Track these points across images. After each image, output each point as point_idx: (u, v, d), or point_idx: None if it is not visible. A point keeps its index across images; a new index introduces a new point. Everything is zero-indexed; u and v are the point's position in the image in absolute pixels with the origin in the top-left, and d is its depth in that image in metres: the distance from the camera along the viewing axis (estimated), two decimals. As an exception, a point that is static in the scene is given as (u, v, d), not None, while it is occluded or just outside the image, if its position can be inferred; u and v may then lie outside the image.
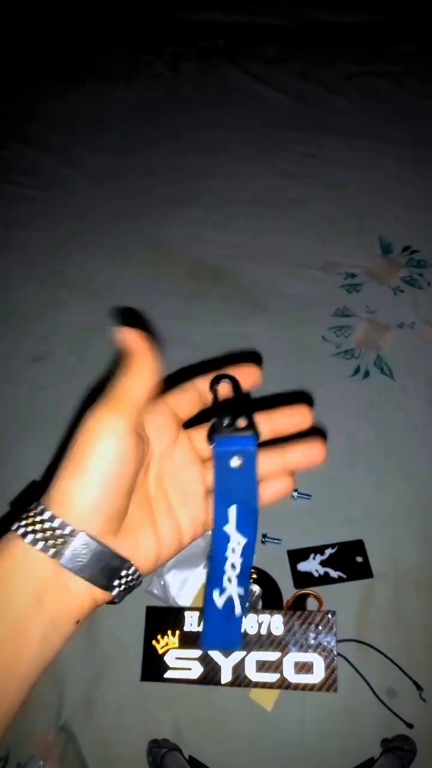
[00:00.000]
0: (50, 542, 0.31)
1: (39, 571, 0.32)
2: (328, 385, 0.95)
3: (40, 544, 0.31)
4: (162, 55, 1.68)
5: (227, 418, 0.40)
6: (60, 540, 0.32)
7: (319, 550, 0.78)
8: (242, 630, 0.45)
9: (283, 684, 0.68)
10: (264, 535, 0.79)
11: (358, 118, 1.43)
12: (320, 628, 0.70)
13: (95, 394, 0.34)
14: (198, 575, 0.77)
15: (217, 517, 0.42)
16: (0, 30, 1.76)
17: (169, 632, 0.71)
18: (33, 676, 0.32)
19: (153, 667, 0.70)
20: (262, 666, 0.69)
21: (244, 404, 0.41)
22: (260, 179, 1.30)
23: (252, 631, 0.70)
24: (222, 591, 0.45)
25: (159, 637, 0.71)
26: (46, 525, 0.32)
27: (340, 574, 0.76)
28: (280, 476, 0.39)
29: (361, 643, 0.71)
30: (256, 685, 0.68)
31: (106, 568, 0.34)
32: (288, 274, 1.11)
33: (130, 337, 0.38)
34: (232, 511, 0.42)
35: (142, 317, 1.03)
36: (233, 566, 0.44)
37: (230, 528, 0.43)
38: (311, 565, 0.77)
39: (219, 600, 0.44)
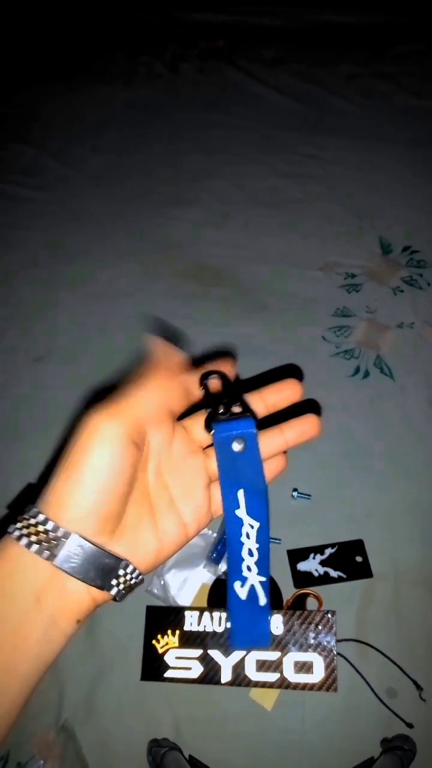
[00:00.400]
0: (44, 544, 0.32)
1: (36, 573, 0.33)
2: (327, 386, 0.95)
3: (35, 546, 0.32)
4: (162, 55, 1.68)
5: (222, 406, 0.40)
6: (54, 542, 0.32)
7: (319, 549, 0.78)
8: (269, 623, 0.44)
9: (283, 683, 0.68)
10: (264, 535, 0.79)
11: (358, 118, 1.44)
12: (320, 627, 0.70)
13: (98, 395, 0.34)
14: (198, 575, 0.77)
15: (227, 503, 0.42)
16: (0, 30, 1.76)
17: (169, 632, 0.72)
18: (34, 676, 0.33)
19: (153, 666, 0.70)
20: (262, 665, 0.69)
21: (235, 391, 0.41)
22: (260, 179, 1.30)
23: (252, 631, 0.70)
24: (243, 581, 0.44)
25: (159, 636, 0.72)
26: (40, 528, 0.33)
27: (340, 573, 0.76)
28: (275, 455, 0.40)
29: (360, 642, 0.71)
30: (256, 684, 0.69)
31: (101, 569, 0.34)
32: (288, 274, 1.11)
33: (160, 349, 0.39)
34: (241, 495, 0.42)
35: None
36: (250, 552, 0.44)
37: (241, 512, 0.43)
38: (311, 565, 0.77)
39: (242, 591, 0.43)
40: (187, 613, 0.73)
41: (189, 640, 0.72)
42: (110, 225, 1.23)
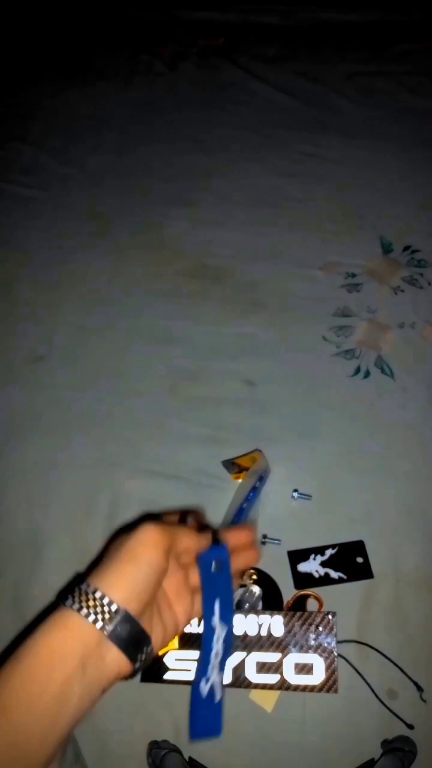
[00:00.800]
0: (99, 616, 0.40)
1: (86, 640, 0.39)
2: (328, 385, 0.95)
3: (91, 617, 0.40)
4: (162, 54, 1.67)
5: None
6: (107, 615, 0.40)
7: (320, 550, 0.78)
8: (222, 716, 0.53)
9: (283, 685, 0.68)
10: (264, 536, 0.79)
11: (358, 117, 1.43)
12: (320, 629, 0.70)
13: (151, 516, 0.47)
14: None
15: (206, 612, 0.52)
16: (0, 29, 1.76)
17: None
18: (67, 732, 0.39)
19: (153, 668, 0.70)
20: (262, 667, 0.69)
21: (211, 529, 0.54)
22: (260, 178, 1.30)
23: (252, 632, 0.70)
24: (207, 680, 0.54)
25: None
26: (98, 602, 0.40)
27: (341, 574, 0.76)
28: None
29: (361, 643, 0.71)
30: (257, 686, 0.69)
31: (137, 643, 0.42)
32: (288, 273, 1.11)
33: (235, 535, 0.53)
34: (217, 605, 0.53)
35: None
36: (217, 654, 0.54)
37: (215, 620, 0.53)
38: (311, 566, 0.77)
39: (204, 689, 0.54)
40: (187, 615, 0.73)
41: (188, 641, 0.72)
42: (109, 224, 1.23)
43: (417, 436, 0.89)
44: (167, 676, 0.70)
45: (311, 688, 0.68)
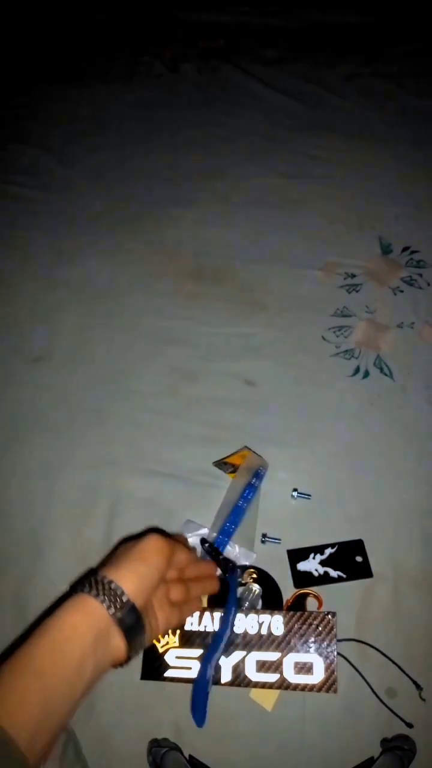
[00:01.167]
0: (112, 603, 0.45)
1: (100, 623, 0.45)
2: (327, 385, 0.96)
3: (106, 603, 0.45)
4: (162, 55, 1.68)
5: (232, 566, 0.71)
6: (119, 604, 0.46)
7: (319, 549, 0.78)
8: (207, 708, 0.63)
9: (283, 684, 0.68)
10: (264, 535, 0.79)
11: (357, 118, 1.44)
12: (320, 629, 0.70)
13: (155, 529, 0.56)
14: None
15: (226, 617, 0.67)
16: (1, 31, 1.76)
17: (170, 632, 0.72)
18: (78, 704, 0.43)
19: (153, 666, 0.71)
20: (262, 666, 0.69)
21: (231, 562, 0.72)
22: (260, 179, 1.30)
23: (252, 631, 0.71)
24: (209, 672, 0.64)
25: (159, 636, 0.72)
26: (112, 591, 0.46)
27: (340, 573, 0.76)
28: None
29: (360, 642, 0.71)
30: (256, 685, 0.69)
31: (137, 634, 0.47)
32: (288, 274, 1.11)
33: (200, 567, 0.62)
34: (232, 612, 0.67)
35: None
36: (220, 650, 0.66)
37: (230, 621, 0.67)
38: (311, 565, 0.77)
39: (209, 676, 0.64)
40: (187, 613, 0.73)
41: (189, 639, 0.72)
42: (110, 225, 1.23)
43: (416, 436, 0.90)
44: (168, 674, 0.70)
45: (311, 688, 0.68)
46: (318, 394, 0.95)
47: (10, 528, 0.84)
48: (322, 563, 0.77)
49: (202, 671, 0.65)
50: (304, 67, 1.58)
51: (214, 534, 0.78)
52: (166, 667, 0.70)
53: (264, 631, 0.71)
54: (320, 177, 1.29)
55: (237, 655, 0.70)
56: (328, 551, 0.78)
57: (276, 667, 0.69)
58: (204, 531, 0.79)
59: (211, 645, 0.67)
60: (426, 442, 0.89)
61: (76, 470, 0.88)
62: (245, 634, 0.71)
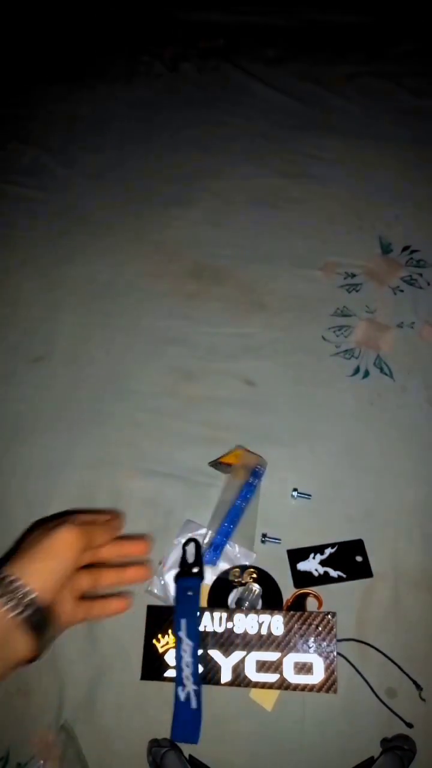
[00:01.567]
0: (17, 602, 0.44)
1: (3, 624, 0.43)
2: (327, 385, 0.95)
3: (10, 603, 0.43)
4: (162, 55, 1.67)
5: (186, 568, 0.74)
6: (25, 603, 0.44)
7: (319, 549, 0.78)
8: (200, 724, 0.65)
9: (283, 684, 0.68)
10: (264, 535, 0.79)
11: (357, 117, 1.43)
12: (320, 629, 0.70)
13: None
14: (198, 575, 0.77)
15: (175, 627, 0.70)
16: (1, 31, 1.76)
17: (170, 631, 0.72)
18: None
19: (153, 666, 0.71)
20: (262, 666, 0.69)
21: (197, 563, 0.75)
22: (260, 179, 1.30)
23: (252, 631, 0.71)
24: (183, 687, 0.67)
25: (159, 636, 0.72)
26: (16, 590, 0.44)
27: (340, 573, 0.76)
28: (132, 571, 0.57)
29: (360, 642, 0.71)
30: (256, 685, 0.69)
31: (45, 631, 0.46)
32: (288, 273, 1.11)
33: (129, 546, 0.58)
34: (183, 622, 0.69)
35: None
36: (187, 665, 0.68)
37: (182, 634, 0.69)
38: (311, 565, 0.77)
39: (182, 695, 0.66)
40: (187, 613, 0.73)
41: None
42: (110, 225, 1.23)
43: (416, 436, 0.90)
44: (168, 674, 0.70)
45: (311, 688, 0.68)
46: (318, 393, 0.95)
47: (10, 528, 0.84)
48: (322, 563, 0.77)
49: (176, 693, 0.67)
50: (305, 67, 1.58)
51: (212, 534, 0.78)
52: (166, 667, 0.70)
53: (264, 631, 0.71)
54: (320, 176, 1.29)
55: (237, 655, 0.70)
56: (328, 551, 0.78)
57: (276, 667, 0.69)
58: (204, 531, 0.79)
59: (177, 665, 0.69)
60: (426, 442, 0.89)
61: (75, 470, 0.88)
62: (245, 634, 0.71)
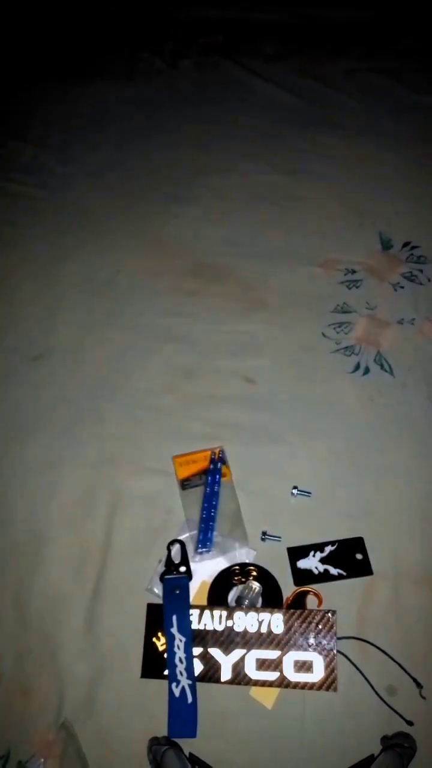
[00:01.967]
0: None
1: None
2: (327, 382, 0.95)
3: None
4: (161, 52, 1.67)
5: (173, 567, 0.75)
6: None
7: (319, 547, 0.78)
8: (196, 718, 0.66)
9: (283, 682, 0.68)
10: (264, 533, 0.79)
11: (357, 114, 1.43)
12: (320, 627, 0.70)
13: None
14: (198, 573, 0.77)
15: (166, 624, 0.70)
16: (0, 29, 1.76)
17: (169, 630, 0.72)
18: None
19: (153, 664, 0.71)
20: (262, 664, 0.69)
21: (184, 562, 0.76)
22: (260, 175, 1.30)
23: (252, 629, 0.71)
24: (177, 683, 0.67)
25: (159, 634, 0.72)
26: None
27: (340, 571, 0.76)
28: None
29: (361, 640, 0.71)
30: (256, 683, 0.69)
31: None
32: (288, 270, 1.11)
33: None
34: (174, 619, 0.70)
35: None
36: (180, 660, 0.68)
37: (174, 630, 0.70)
38: (311, 563, 0.77)
39: (176, 691, 0.67)
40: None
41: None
42: (110, 222, 1.23)
43: (416, 433, 0.89)
44: (167, 672, 0.70)
45: (311, 686, 0.68)
46: (318, 390, 0.94)
47: (11, 526, 0.84)
48: (323, 561, 0.77)
49: (170, 690, 0.67)
50: (304, 63, 1.57)
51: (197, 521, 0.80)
52: (166, 665, 0.70)
53: (264, 629, 0.71)
54: (320, 173, 1.28)
55: (237, 653, 0.70)
56: (329, 549, 0.78)
57: (276, 665, 0.69)
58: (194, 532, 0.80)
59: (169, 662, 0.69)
60: (427, 439, 0.88)
61: (75, 468, 0.88)
62: (245, 632, 0.71)
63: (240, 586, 0.75)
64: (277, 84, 1.51)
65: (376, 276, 1.09)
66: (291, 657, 0.69)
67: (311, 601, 0.74)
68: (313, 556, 0.77)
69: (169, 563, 0.76)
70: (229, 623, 0.71)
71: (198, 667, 0.70)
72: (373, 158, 1.30)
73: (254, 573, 0.75)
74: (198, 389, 0.96)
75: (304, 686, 0.68)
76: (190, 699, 0.67)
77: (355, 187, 1.25)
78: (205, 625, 0.71)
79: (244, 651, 0.70)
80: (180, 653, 0.68)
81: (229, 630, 0.71)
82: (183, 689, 0.67)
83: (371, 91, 1.48)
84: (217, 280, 1.11)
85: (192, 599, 0.74)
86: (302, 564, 0.77)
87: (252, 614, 0.71)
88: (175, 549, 0.77)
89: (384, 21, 1.68)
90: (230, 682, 0.69)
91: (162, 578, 0.74)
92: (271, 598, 0.74)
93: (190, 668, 0.68)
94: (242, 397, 0.94)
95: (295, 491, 0.83)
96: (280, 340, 1.01)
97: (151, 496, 0.84)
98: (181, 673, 0.68)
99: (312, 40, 1.65)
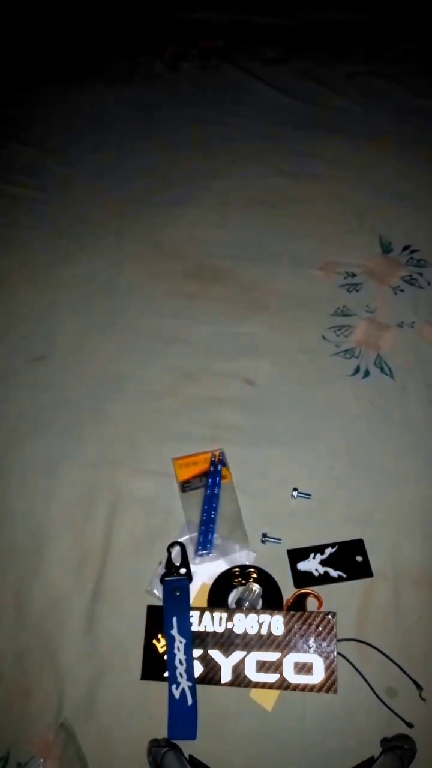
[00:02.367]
0: None
1: None
2: (327, 385, 0.95)
3: None
4: (162, 54, 1.67)
5: (173, 569, 0.75)
6: None
7: (319, 549, 0.78)
8: (196, 720, 0.66)
9: (283, 684, 0.68)
10: (264, 535, 0.79)
11: (357, 117, 1.43)
12: (320, 629, 0.70)
13: None
14: (198, 575, 0.77)
15: (166, 626, 0.70)
16: (1, 31, 1.76)
17: (169, 632, 0.72)
18: None
19: (154, 666, 0.71)
20: (262, 666, 0.69)
21: (184, 564, 0.76)
22: (260, 179, 1.30)
23: (252, 631, 0.71)
24: (177, 685, 0.68)
25: (159, 636, 0.72)
26: None
27: (340, 573, 0.76)
28: None
29: (361, 642, 0.71)
30: (256, 685, 0.69)
31: None
32: (288, 273, 1.11)
33: None
34: (174, 621, 0.70)
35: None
36: (180, 662, 0.69)
37: (174, 632, 0.70)
38: (311, 565, 0.77)
39: (176, 692, 0.67)
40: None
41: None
42: (110, 224, 1.23)
43: (416, 435, 0.89)
44: (167, 674, 0.70)
45: (311, 688, 0.68)
46: (318, 393, 0.95)
47: (11, 527, 0.84)
48: (323, 563, 0.77)
49: (170, 691, 0.68)
50: (304, 66, 1.58)
51: (197, 523, 0.80)
52: (166, 667, 0.70)
53: (264, 631, 0.71)
54: (321, 176, 1.29)
55: (237, 655, 0.70)
56: (329, 551, 0.78)
57: (276, 667, 0.69)
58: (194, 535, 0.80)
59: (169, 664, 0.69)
60: (427, 442, 0.89)
61: (75, 470, 0.88)
62: (245, 634, 0.71)
63: (240, 588, 0.75)
64: (278, 87, 1.52)
65: (376, 279, 1.09)
66: (291, 659, 0.69)
67: (311, 603, 0.74)
68: (313, 558, 0.78)
69: (170, 565, 0.76)
70: (229, 625, 0.71)
71: (198, 668, 0.70)
72: (374, 161, 1.31)
73: (254, 575, 0.76)
74: (198, 391, 0.96)
75: (304, 688, 0.68)
76: (190, 701, 0.67)
77: (355, 190, 1.25)
78: (205, 626, 0.71)
79: (244, 653, 0.70)
80: (180, 655, 0.68)
81: (229, 632, 0.71)
82: (183, 691, 0.67)
83: (372, 94, 1.48)
84: (218, 282, 1.11)
85: (192, 601, 0.75)
86: (302, 566, 0.77)
87: (252, 616, 0.71)
88: (176, 551, 0.77)
89: (384, 24, 1.69)
90: (230, 683, 0.69)
91: (162, 580, 0.75)
92: (271, 600, 0.74)
93: (190, 670, 0.68)
94: (242, 400, 0.95)
95: (295, 493, 0.83)
96: (281, 343, 1.01)
97: (151, 498, 0.85)
98: (181, 675, 0.68)
99: (312, 44, 1.65)
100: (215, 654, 0.70)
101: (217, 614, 0.72)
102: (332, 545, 0.79)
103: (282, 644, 0.70)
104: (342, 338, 1.01)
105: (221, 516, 0.81)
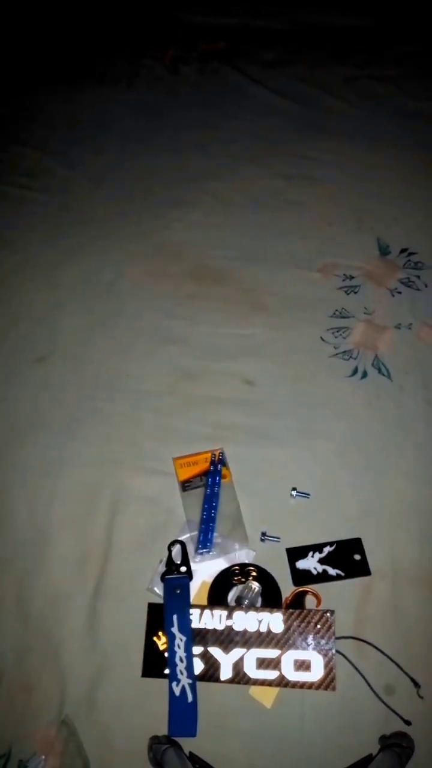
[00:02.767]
0: None
1: None
2: (326, 386, 0.96)
3: None
4: (163, 57, 1.68)
5: (174, 567, 0.76)
6: None
7: (318, 548, 0.79)
8: (196, 717, 0.67)
9: (282, 682, 0.69)
10: (263, 533, 0.80)
11: (356, 120, 1.44)
12: (319, 627, 0.71)
13: None
14: (198, 573, 0.77)
15: (167, 624, 0.71)
16: (2, 33, 1.76)
17: (170, 628, 0.72)
18: None
19: (154, 663, 0.71)
20: (261, 663, 0.70)
21: (185, 563, 0.77)
22: (260, 181, 1.31)
23: (252, 629, 0.71)
24: (178, 682, 0.68)
25: (160, 633, 0.72)
26: None
27: (339, 571, 0.77)
28: None
29: (359, 640, 0.72)
30: (256, 682, 0.69)
31: None
32: (287, 275, 1.12)
33: None
34: (175, 618, 0.71)
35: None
36: (181, 659, 0.69)
37: (175, 629, 0.70)
38: (310, 563, 0.77)
39: (177, 690, 0.68)
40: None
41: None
42: (111, 226, 1.24)
43: (414, 436, 0.90)
44: (168, 671, 0.70)
45: (309, 686, 0.69)
46: (316, 394, 0.95)
47: (12, 526, 0.84)
48: (321, 561, 0.78)
49: (170, 688, 0.68)
50: (304, 70, 1.59)
51: (197, 522, 0.80)
52: (167, 664, 0.71)
53: (263, 629, 0.71)
54: (319, 178, 1.30)
55: (237, 653, 0.71)
56: (327, 549, 0.79)
57: (275, 664, 0.70)
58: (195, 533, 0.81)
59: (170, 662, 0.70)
60: (424, 442, 0.89)
61: (77, 469, 0.88)
62: (245, 631, 0.71)
63: (240, 586, 0.75)
64: (278, 90, 1.53)
65: (374, 281, 1.10)
66: (290, 656, 0.70)
67: (310, 601, 0.75)
68: (312, 556, 0.78)
69: (170, 563, 0.76)
70: (229, 622, 0.72)
71: (198, 666, 0.70)
72: (372, 164, 1.32)
73: (254, 573, 0.76)
74: (198, 391, 0.97)
75: (302, 685, 0.69)
76: (190, 698, 0.68)
77: (354, 193, 1.26)
78: (205, 624, 0.72)
79: (243, 650, 0.71)
80: (180, 652, 0.69)
81: (229, 629, 0.71)
82: (183, 688, 0.68)
83: (371, 97, 1.50)
84: (218, 283, 1.12)
85: (192, 599, 0.75)
86: (301, 564, 0.78)
87: (252, 614, 0.72)
88: (176, 549, 0.78)
89: (384, 28, 1.70)
90: (230, 681, 0.70)
91: (163, 578, 0.75)
92: (271, 598, 0.75)
93: (190, 667, 0.69)
94: (242, 400, 0.95)
95: (294, 493, 0.84)
96: (280, 344, 1.02)
97: (151, 497, 0.85)
98: (181, 672, 0.68)
99: (312, 47, 1.66)
100: (215, 651, 0.71)
101: (217, 612, 0.72)
102: (331, 544, 0.79)
103: (281, 642, 0.71)
104: (340, 340, 1.02)
105: (221, 515, 0.82)
